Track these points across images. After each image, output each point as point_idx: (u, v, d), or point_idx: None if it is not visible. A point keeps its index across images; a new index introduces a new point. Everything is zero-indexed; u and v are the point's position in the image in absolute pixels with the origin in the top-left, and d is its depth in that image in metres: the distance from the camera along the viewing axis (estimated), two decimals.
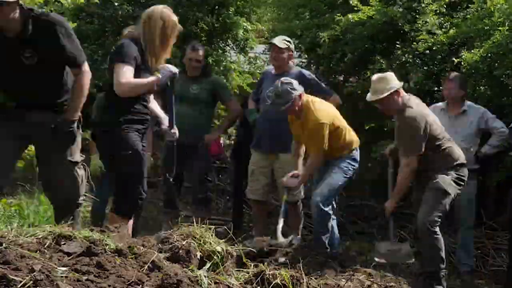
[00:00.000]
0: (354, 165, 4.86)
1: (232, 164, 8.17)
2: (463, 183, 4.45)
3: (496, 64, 5.42)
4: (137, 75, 3.72)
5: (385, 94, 4.38)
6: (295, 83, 4.76)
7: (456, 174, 4.39)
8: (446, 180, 4.33)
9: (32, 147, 4.06)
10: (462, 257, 5.21)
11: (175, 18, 3.88)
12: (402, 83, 4.53)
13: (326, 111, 4.79)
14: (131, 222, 3.94)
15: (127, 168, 3.74)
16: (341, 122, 4.86)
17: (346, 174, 4.81)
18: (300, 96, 4.73)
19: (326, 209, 4.71)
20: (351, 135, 4.90)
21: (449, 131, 5.03)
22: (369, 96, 4.57)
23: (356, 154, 4.89)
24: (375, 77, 4.57)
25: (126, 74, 3.66)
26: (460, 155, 4.48)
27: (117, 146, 3.72)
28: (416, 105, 4.45)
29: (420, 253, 4.72)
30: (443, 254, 4.34)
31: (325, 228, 4.76)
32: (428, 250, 4.37)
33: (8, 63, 3.56)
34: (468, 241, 5.22)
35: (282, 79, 4.82)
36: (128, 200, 3.81)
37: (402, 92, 4.47)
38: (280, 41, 5.44)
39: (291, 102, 4.65)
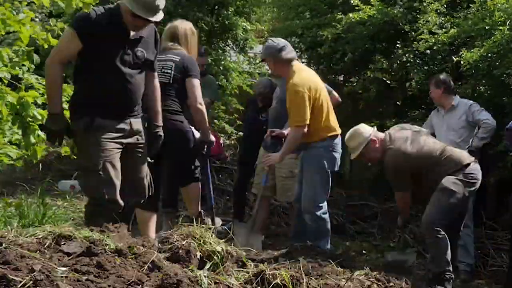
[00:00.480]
0: (328, 155, 4.65)
1: (232, 164, 8.18)
2: (474, 180, 4.42)
3: (497, 64, 5.42)
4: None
5: (360, 150, 4.52)
6: (287, 45, 4.65)
7: (463, 173, 4.36)
8: (449, 179, 4.32)
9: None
10: (461, 256, 5.21)
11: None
12: (374, 129, 4.60)
13: (308, 80, 4.57)
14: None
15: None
16: (322, 100, 4.61)
17: (324, 169, 4.63)
18: (286, 57, 4.56)
19: (319, 213, 4.63)
20: (330, 121, 4.70)
21: (441, 127, 5.13)
22: (352, 156, 4.70)
23: (334, 143, 4.67)
24: (347, 136, 4.66)
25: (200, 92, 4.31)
26: (461, 157, 4.46)
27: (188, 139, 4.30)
28: (395, 141, 4.44)
29: (422, 254, 4.73)
30: (448, 255, 4.32)
31: (322, 234, 4.68)
32: (432, 250, 4.36)
33: (123, 61, 3.57)
34: (467, 240, 5.22)
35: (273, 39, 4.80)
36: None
37: (378, 137, 4.52)
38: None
39: (269, 55, 4.61)
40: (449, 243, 4.31)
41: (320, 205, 4.65)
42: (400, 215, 4.74)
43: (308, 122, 4.47)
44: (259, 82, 6.60)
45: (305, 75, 4.62)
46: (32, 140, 3.73)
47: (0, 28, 3.48)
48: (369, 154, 4.56)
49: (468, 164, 4.42)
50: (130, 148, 3.64)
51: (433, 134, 5.37)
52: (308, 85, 4.50)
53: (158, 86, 3.86)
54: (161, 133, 3.82)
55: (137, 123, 3.67)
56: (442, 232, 4.28)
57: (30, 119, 3.73)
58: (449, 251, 4.33)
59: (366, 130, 4.58)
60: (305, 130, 4.49)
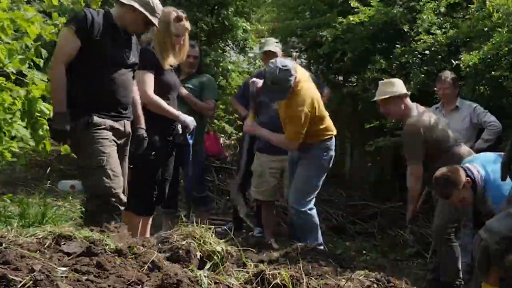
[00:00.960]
0: (326, 155, 4.71)
1: (232, 164, 8.17)
2: None
3: (496, 65, 5.42)
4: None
5: (386, 96, 4.44)
6: (292, 68, 4.50)
7: None
8: None
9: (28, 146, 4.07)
10: (461, 256, 5.20)
11: (176, 15, 4.10)
12: (408, 93, 4.58)
13: (311, 97, 4.61)
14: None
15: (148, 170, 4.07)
16: (321, 108, 4.73)
17: (318, 167, 4.70)
18: (295, 80, 4.52)
19: (304, 209, 4.64)
20: (327, 123, 4.78)
21: None
22: (376, 97, 4.62)
23: (330, 143, 4.76)
24: (385, 80, 4.67)
25: (151, 84, 4.04)
26: (469, 154, 4.45)
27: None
28: (418, 114, 4.47)
29: (422, 254, 4.73)
30: (459, 264, 4.32)
31: (311, 229, 4.69)
32: (443, 259, 4.34)
33: (116, 59, 3.64)
34: (467, 240, 5.21)
35: (280, 64, 4.50)
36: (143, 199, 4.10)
37: (407, 101, 4.51)
38: (273, 46, 5.46)
39: (289, 90, 4.49)
40: (459, 251, 4.31)
41: (308, 200, 4.68)
42: (410, 205, 4.61)
43: (303, 136, 4.58)
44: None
45: (306, 90, 4.60)
46: (41, 133, 3.76)
47: (10, 26, 3.49)
48: (391, 108, 4.51)
49: None
50: (119, 149, 3.69)
51: None
52: (309, 101, 4.56)
53: (137, 90, 3.92)
54: (145, 135, 3.89)
55: (128, 125, 3.77)
56: (454, 240, 4.28)
57: (38, 114, 3.75)
58: (460, 260, 4.32)
59: (404, 88, 4.57)
60: (297, 142, 4.62)
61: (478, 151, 5.11)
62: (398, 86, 4.53)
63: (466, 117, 5.29)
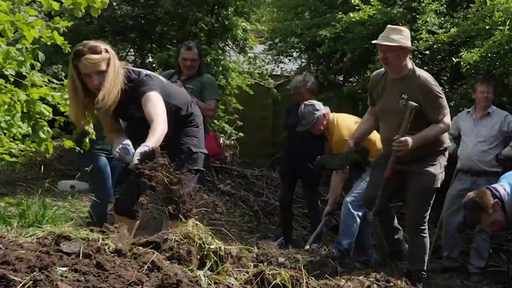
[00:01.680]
0: None
1: (232, 164, 8.16)
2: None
3: (497, 64, 5.43)
4: None
5: (395, 44, 4.06)
6: (317, 104, 5.14)
7: (443, 159, 4.30)
8: (437, 174, 4.21)
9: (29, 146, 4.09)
10: (473, 259, 5.23)
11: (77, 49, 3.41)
12: (413, 48, 4.44)
13: (349, 127, 5.00)
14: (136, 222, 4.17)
15: None
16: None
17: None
18: (324, 115, 5.10)
19: (355, 212, 4.87)
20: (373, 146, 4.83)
21: (472, 131, 5.20)
22: (379, 40, 4.15)
23: None
24: (391, 26, 4.26)
25: None
26: (447, 139, 4.40)
27: None
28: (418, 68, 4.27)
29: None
30: (426, 256, 4.33)
31: (349, 232, 4.89)
32: (412, 248, 4.36)
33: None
34: (481, 244, 5.23)
35: (306, 102, 5.25)
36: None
37: (408, 60, 4.20)
38: None
39: (313, 121, 5.09)
40: (428, 244, 4.33)
41: (359, 206, 4.88)
42: (413, 138, 4.10)
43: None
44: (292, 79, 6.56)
45: (346, 124, 5.14)
46: (42, 135, 3.77)
47: (10, 29, 3.49)
48: (397, 58, 4.09)
49: (446, 149, 4.35)
50: None
51: (459, 136, 5.36)
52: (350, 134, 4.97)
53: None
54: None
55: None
56: (426, 233, 4.30)
57: (38, 116, 3.75)
58: (428, 253, 4.34)
59: (410, 41, 4.23)
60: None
61: (505, 158, 5.12)
62: (407, 37, 4.17)
63: (496, 125, 5.26)
